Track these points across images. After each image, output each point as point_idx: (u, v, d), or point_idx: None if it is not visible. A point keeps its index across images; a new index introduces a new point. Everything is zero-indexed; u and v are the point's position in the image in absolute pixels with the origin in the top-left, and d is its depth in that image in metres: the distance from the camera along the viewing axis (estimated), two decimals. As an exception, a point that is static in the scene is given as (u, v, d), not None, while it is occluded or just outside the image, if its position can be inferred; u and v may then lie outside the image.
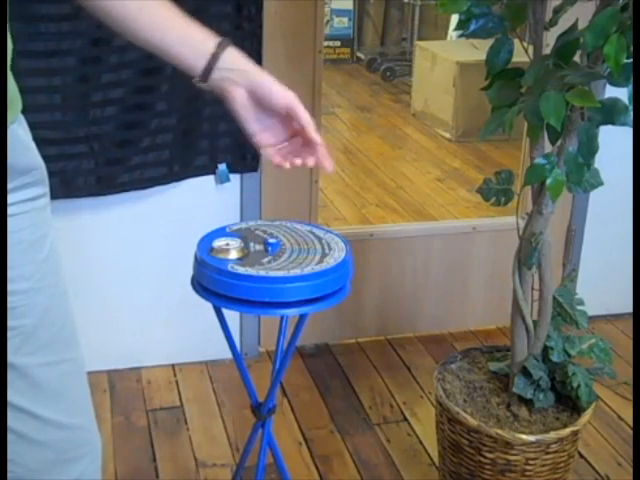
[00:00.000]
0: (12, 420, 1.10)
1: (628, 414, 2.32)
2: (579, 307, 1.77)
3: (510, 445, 1.71)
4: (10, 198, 1.04)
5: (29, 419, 1.12)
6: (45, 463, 1.16)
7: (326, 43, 6.21)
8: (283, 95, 1.14)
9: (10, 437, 1.10)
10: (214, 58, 1.13)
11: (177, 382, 2.42)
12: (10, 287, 1.05)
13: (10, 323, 1.06)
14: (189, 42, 1.14)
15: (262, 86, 1.14)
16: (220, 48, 1.13)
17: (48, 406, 1.13)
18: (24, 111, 1.08)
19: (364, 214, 3.71)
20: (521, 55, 1.61)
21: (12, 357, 1.07)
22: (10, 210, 1.05)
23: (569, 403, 1.78)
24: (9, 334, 1.07)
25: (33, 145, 1.11)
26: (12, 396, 1.08)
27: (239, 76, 1.14)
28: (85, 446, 1.21)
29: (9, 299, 1.05)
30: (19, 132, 1.05)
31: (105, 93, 2.05)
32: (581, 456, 2.13)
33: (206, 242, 1.25)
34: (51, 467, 1.17)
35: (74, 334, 1.19)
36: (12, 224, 1.05)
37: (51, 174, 1.14)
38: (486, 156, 4.45)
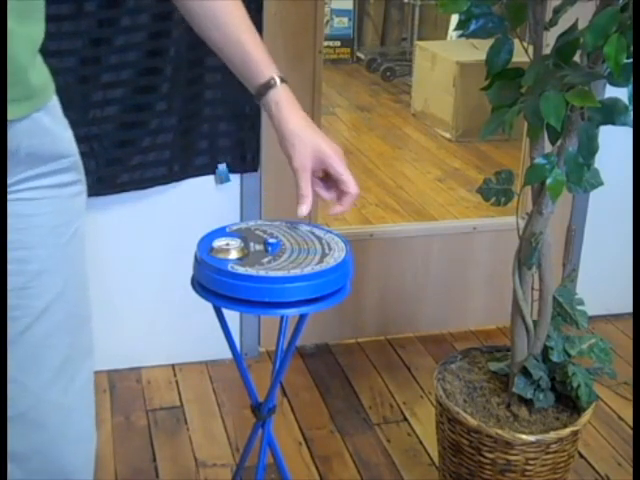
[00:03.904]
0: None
1: (628, 414, 2.32)
2: (579, 307, 1.77)
3: (510, 445, 1.71)
4: (33, 183, 1.08)
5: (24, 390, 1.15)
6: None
7: (326, 43, 6.21)
8: (301, 162, 1.25)
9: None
10: (257, 98, 1.28)
11: (177, 382, 2.42)
12: (25, 267, 1.09)
13: (20, 302, 1.09)
14: (247, 69, 1.27)
15: (285, 143, 1.27)
16: (264, 88, 1.26)
17: (43, 381, 1.15)
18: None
19: (364, 214, 3.71)
20: (521, 55, 1.61)
21: (19, 336, 1.11)
22: (32, 194, 1.08)
23: (569, 403, 1.78)
24: (19, 313, 1.10)
25: (64, 133, 1.13)
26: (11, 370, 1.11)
27: (274, 121, 1.27)
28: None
29: (22, 279, 1.09)
30: (43, 120, 1.07)
31: (105, 93, 2.06)
32: (581, 456, 2.13)
33: (206, 242, 1.25)
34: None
35: (84, 324, 1.21)
36: (35, 208, 1.09)
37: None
38: (486, 156, 4.45)
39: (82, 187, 1.18)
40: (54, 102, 1.12)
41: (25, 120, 1.03)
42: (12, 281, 1.08)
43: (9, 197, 1.06)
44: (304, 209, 1.25)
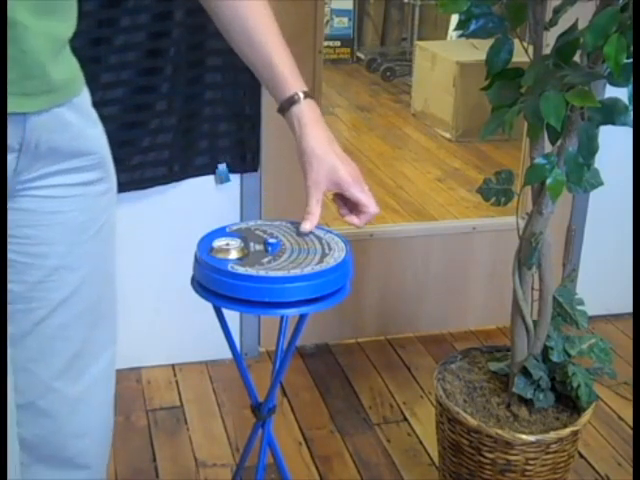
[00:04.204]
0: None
1: (628, 414, 2.32)
2: (579, 307, 1.77)
3: (510, 445, 1.71)
4: (56, 179, 1.08)
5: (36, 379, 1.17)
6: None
7: (326, 43, 6.21)
8: (315, 182, 1.23)
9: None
10: (280, 112, 1.25)
11: (177, 382, 2.42)
12: (43, 262, 1.10)
13: (37, 295, 1.11)
14: (273, 83, 1.25)
15: (303, 160, 1.24)
16: (288, 103, 1.23)
17: (53, 372, 1.17)
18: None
19: (364, 214, 3.70)
20: (521, 55, 1.61)
21: (34, 326, 1.13)
22: (56, 191, 1.09)
23: (569, 403, 1.78)
24: (35, 304, 1.12)
25: (90, 130, 1.13)
26: (19, 355, 1.12)
27: (296, 136, 1.24)
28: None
29: (41, 273, 1.11)
30: (65, 116, 1.07)
31: (105, 93, 2.05)
32: (581, 456, 2.13)
33: (206, 242, 1.25)
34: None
35: (102, 320, 1.21)
36: (59, 205, 1.10)
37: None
38: (486, 156, 4.45)
39: (109, 185, 1.18)
40: (81, 98, 1.13)
41: (45, 114, 1.03)
42: (31, 275, 1.10)
43: (30, 192, 1.07)
44: (307, 226, 1.26)
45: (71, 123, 1.08)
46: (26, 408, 1.15)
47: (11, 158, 1.02)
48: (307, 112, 1.23)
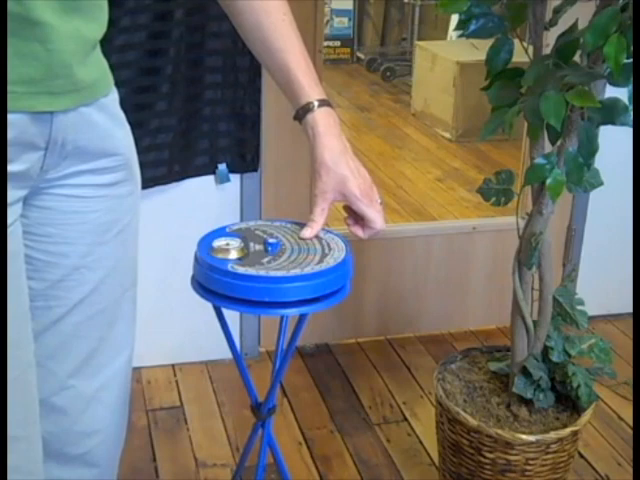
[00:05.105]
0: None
1: (628, 414, 2.32)
2: (579, 307, 1.77)
3: (510, 445, 1.71)
4: (82, 179, 1.09)
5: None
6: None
7: (326, 43, 6.21)
8: (322, 192, 1.23)
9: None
10: (296, 119, 1.23)
11: (177, 382, 2.42)
12: (63, 261, 1.11)
13: (56, 293, 1.12)
14: (289, 90, 1.23)
15: (314, 168, 1.23)
16: (303, 111, 1.21)
17: (68, 369, 1.18)
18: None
19: (364, 214, 3.70)
20: (521, 55, 1.61)
21: (52, 324, 1.14)
22: (82, 191, 1.09)
23: (569, 403, 1.78)
24: (54, 303, 1.12)
25: (117, 131, 1.15)
26: (36, 352, 1.12)
27: (309, 145, 1.23)
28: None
29: (60, 272, 1.11)
30: (93, 116, 1.08)
31: (105, 93, 2.05)
32: (581, 456, 2.13)
33: (206, 242, 1.25)
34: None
35: (119, 321, 1.22)
36: (84, 205, 1.10)
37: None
38: (486, 156, 4.45)
39: (133, 187, 1.18)
40: (110, 99, 1.13)
41: (72, 113, 1.04)
42: (51, 273, 1.11)
43: (55, 191, 1.08)
44: (308, 233, 1.26)
45: (98, 123, 1.09)
46: (40, 404, 1.15)
47: (38, 156, 1.02)
48: (321, 121, 1.22)
